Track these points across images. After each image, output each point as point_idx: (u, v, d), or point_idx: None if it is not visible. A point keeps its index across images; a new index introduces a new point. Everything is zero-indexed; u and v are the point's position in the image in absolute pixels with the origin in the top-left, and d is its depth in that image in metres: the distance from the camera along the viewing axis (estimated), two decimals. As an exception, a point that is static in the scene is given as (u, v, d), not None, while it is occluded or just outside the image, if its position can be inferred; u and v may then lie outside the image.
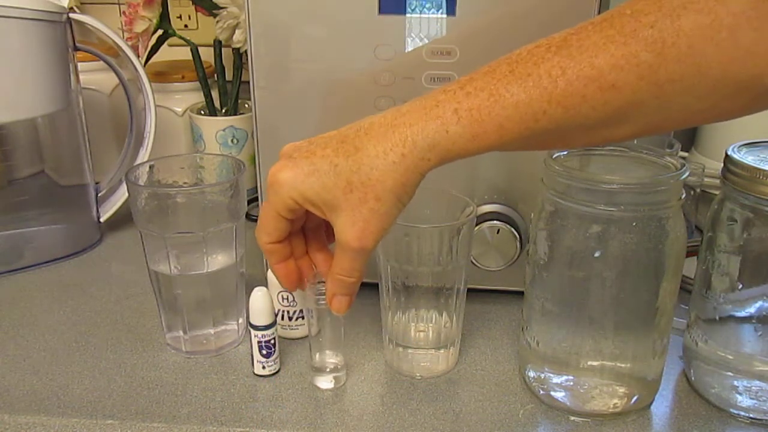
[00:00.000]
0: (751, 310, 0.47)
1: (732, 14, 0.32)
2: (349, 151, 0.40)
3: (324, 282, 0.49)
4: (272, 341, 0.52)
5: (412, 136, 0.38)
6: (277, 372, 0.53)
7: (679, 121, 0.37)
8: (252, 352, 0.53)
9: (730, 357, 0.48)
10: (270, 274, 0.57)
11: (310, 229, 0.48)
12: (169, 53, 0.89)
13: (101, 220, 0.78)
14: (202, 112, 0.87)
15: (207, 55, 0.84)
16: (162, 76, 0.88)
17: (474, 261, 0.59)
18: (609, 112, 0.35)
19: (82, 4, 1.00)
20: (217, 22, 0.80)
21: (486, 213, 0.59)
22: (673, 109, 0.36)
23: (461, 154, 0.39)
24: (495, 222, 0.58)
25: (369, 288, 0.56)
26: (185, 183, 0.58)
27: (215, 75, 0.85)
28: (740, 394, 0.48)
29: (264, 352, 0.52)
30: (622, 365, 0.48)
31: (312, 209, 0.42)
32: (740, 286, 0.47)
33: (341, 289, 0.45)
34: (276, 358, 0.53)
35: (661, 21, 0.33)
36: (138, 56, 0.75)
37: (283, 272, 0.47)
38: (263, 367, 0.53)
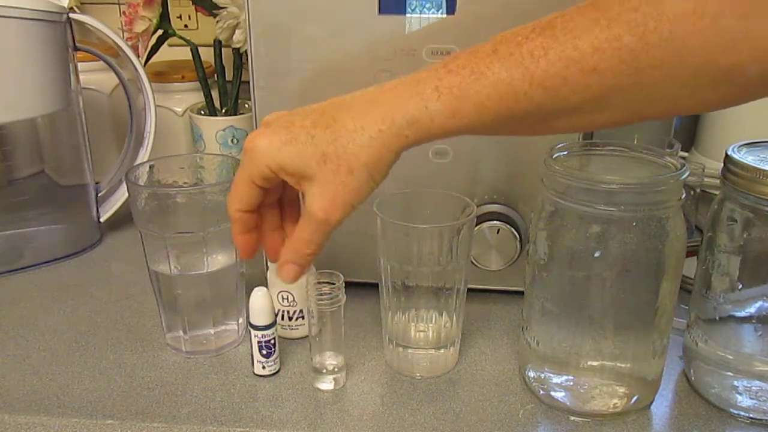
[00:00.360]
0: (751, 310, 0.47)
1: (715, 1, 0.32)
2: (328, 122, 0.39)
3: (324, 283, 0.49)
4: (272, 341, 0.52)
5: (391, 112, 0.38)
6: (277, 372, 0.53)
7: (662, 110, 0.37)
8: (252, 352, 0.53)
9: (730, 357, 0.48)
10: (270, 274, 0.57)
11: (287, 202, 0.47)
12: (169, 53, 0.89)
13: (101, 220, 0.78)
14: (202, 112, 0.87)
15: (207, 55, 0.84)
16: (162, 76, 0.88)
17: (474, 261, 0.59)
18: (590, 96, 0.35)
19: (82, 4, 1.00)
20: (217, 22, 0.79)
21: (486, 213, 0.59)
22: (655, 96, 0.35)
23: (439, 134, 0.38)
24: (495, 222, 0.58)
25: (369, 288, 0.56)
26: (185, 183, 0.58)
27: (215, 75, 0.85)
28: (740, 394, 0.48)
29: (264, 352, 0.52)
30: (622, 365, 0.48)
31: (286, 178, 0.41)
32: (740, 286, 0.47)
33: (294, 258, 0.44)
34: (276, 358, 0.53)
35: (645, 5, 0.33)
36: (138, 56, 0.75)
37: (244, 243, 0.45)
38: (263, 367, 0.53)
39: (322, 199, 0.40)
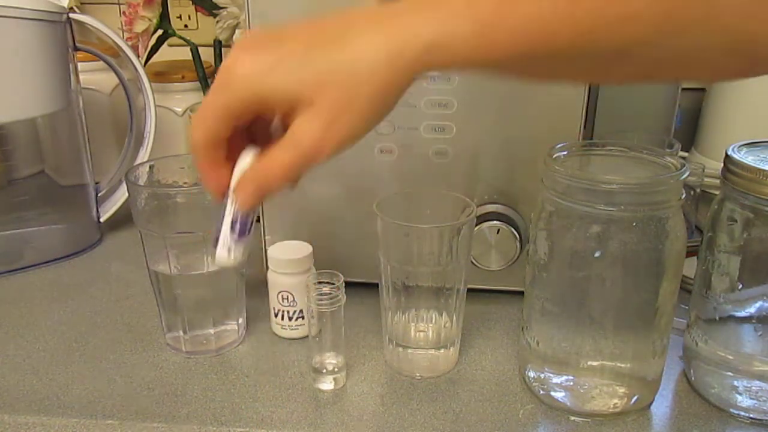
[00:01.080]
0: (751, 310, 0.47)
1: None
2: (328, 41, 0.34)
3: (324, 283, 0.49)
4: (251, 219, 0.41)
5: (411, 29, 0.32)
6: (243, 260, 0.42)
7: (674, 74, 0.36)
8: (220, 229, 0.40)
9: (730, 357, 0.48)
10: (270, 274, 0.57)
11: (258, 129, 0.40)
12: (169, 53, 0.89)
13: (101, 220, 0.78)
14: (202, 112, 0.87)
15: (207, 55, 0.84)
16: (162, 76, 0.88)
17: (474, 261, 0.59)
18: (619, 44, 0.33)
19: (82, 4, 1.00)
20: (217, 22, 0.79)
21: (486, 213, 0.59)
22: (676, 56, 0.34)
23: (460, 62, 0.33)
24: (495, 222, 0.58)
25: (369, 288, 0.56)
26: (185, 183, 0.58)
27: (215, 75, 0.85)
28: (740, 394, 0.48)
29: (238, 227, 0.40)
30: (622, 365, 0.48)
31: (266, 110, 0.36)
32: (740, 286, 0.47)
33: (261, 179, 0.37)
34: (247, 243, 0.41)
35: None
36: (138, 56, 0.75)
37: (214, 180, 0.39)
38: (229, 252, 0.40)
39: (314, 128, 0.34)
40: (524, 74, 0.37)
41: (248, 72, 0.34)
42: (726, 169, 0.47)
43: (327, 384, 0.52)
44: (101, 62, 0.75)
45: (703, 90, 0.93)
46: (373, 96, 0.34)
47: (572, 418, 0.49)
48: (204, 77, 0.84)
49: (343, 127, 0.34)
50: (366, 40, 0.33)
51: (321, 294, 0.49)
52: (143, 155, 0.76)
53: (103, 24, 0.71)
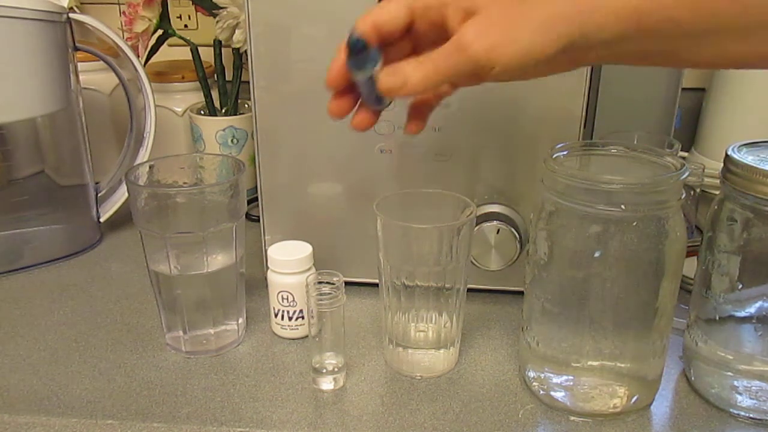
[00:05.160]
0: (751, 310, 0.47)
1: None
2: None
3: (324, 283, 0.49)
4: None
5: (560, 6, 0.35)
6: None
7: None
8: None
9: (730, 357, 0.48)
10: (270, 274, 0.57)
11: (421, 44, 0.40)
12: (169, 53, 0.89)
13: (101, 220, 0.78)
14: (202, 112, 0.87)
15: (207, 55, 0.84)
16: (162, 76, 0.88)
17: (474, 261, 0.59)
18: (743, 23, 0.34)
19: (82, 4, 1.00)
20: (217, 22, 0.79)
21: (486, 213, 0.59)
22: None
23: (609, 32, 0.35)
24: (495, 222, 0.58)
25: (369, 288, 0.56)
26: (185, 183, 0.58)
27: (215, 75, 0.85)
28: (740, 394, 0.48)
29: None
30: (622, 365, 0.48)
31: (453, 8, 0.36)
32: (740, 286, 0.47)
33: (409, 71, 0.37)
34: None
35: None
36: (138, 56, 0.75)
37: (340, 106, 0.41)
38: None
39: (479, 26, 0.34)
40: (653, 54, 0.38)
41: None
42: (726, 169, 0.47)
43: (327, 384, 0.52)
44: (101, 62, 0.75)
45: (703, 90, 0.93)
46: (542, 22, 0.34)
47: (572, 418, 0.49)
48: (204, 77, 0.84)
49: (502, 31, 0.34)
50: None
51: (321, 294, 0.49)
52: (143, 155, 0.76)
53: (103, 24, 0.71)
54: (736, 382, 0.48)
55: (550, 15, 0.34)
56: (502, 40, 0.34)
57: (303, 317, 0.57)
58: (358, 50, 0.37)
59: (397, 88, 0.37)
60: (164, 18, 0.82)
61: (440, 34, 0.37)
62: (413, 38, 0.39)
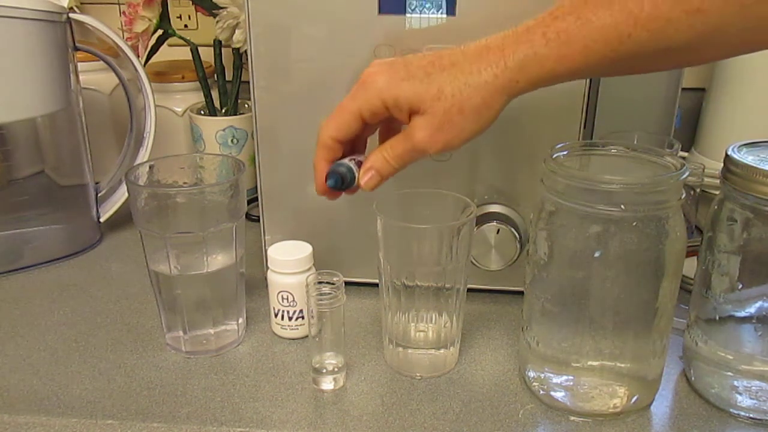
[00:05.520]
0: (751, 310, 0.47)
1: None
2: (445, 65, 0.43)
3: (324, 283, 0.49)
4: None
5: (504, 58, 0.41)
6: None
7: (760, 43, 0.38)
8: None
9: (730, 357, 0.48)
10: (270, 274, 0.57)
11: (382, 132, 0.50)
12: (169, 53, 0.89)
13: (101, 220, 0.78)
14: (202, 112, 0.87)
15: (207, 55, 0.84)
16: (162, 76, 0.88)
17: (474, 261, 0.59)
18: (693, 35, 0.36)
19: (82, 4, 1.00)
20: (217, 22, 0.79)
21: (486, 213, 0.59)
22: (757, 31, 0.36)
23: (548, 78, 0.41)
24: (495, 222, 0.58)
25: (369, 288, 0.56)
26: (185, 183, 0.58)
27: (215, 75, 0.85)
28: (740, 394, 0.48)
29: None
30: (622, 365, 0.48)
31: (396, 113, 0.44)
32: (740, 286, 0.47)
33: (379, 167, 0.46)
34: None
35: None
36: (138, 56, 0.75)
37: (323, 172, 0.48)
38: None
39: (427, 130, 0.43)
40: (614, 73, 0.43)
41: (383, 83, 0.44)
42: (726, 169, 0.47)
43: (327, 384, 0.52)
44: (101, 62, 0.75)
45: (703, 90, 0.93)
46: (476, 110, 0.42)
47: (572, 418, 0.49)
48: (204, 77, 0.84)
49: (449, 132, 0.43)
50: (474, 66, 0.42)
51: (321, 294, 0.49)
52: (143, 155, 0.76)
53: (103, 24, 0.71)
54: (736, 382, 0.48)
55: (488, 93, 0.42)
56: (450, 138, 0.43)
57: (303, 317, 0.57)
58: (338, 188, 0.48)
59: (375, 183, 0.47)
60: (164, 18, 0.82)
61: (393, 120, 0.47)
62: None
